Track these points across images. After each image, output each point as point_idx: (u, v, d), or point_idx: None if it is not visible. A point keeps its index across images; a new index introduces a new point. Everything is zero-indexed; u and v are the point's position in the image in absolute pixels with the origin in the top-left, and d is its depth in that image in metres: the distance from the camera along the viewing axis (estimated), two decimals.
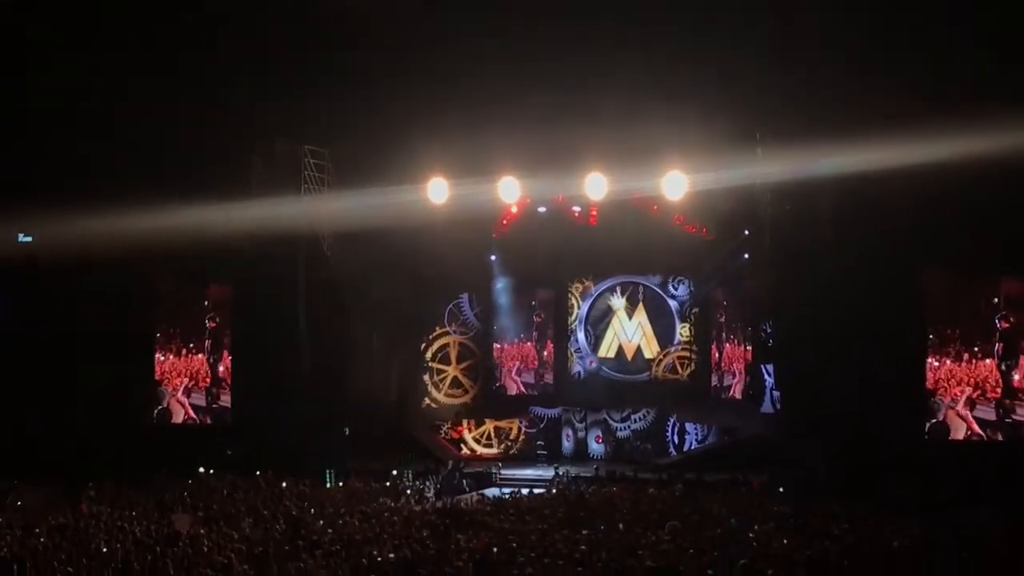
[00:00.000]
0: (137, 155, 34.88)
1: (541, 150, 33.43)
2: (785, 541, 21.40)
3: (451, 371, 42.45)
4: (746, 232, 35.92)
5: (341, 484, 32.66)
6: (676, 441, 40.24)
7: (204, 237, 33.00)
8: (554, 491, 31.83)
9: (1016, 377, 29.87)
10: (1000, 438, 29.97)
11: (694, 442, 39.65)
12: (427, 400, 42.07)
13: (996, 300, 30.21)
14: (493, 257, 41.02)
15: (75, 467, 31.70)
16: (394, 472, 34.21)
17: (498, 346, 42.70)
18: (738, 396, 38.30)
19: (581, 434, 41.48)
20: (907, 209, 29.10)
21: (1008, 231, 28.77)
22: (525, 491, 31.82)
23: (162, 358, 38.47)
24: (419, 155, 34.13)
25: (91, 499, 28.20)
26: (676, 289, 41.04)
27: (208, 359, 37.94)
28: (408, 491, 31.65)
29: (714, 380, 40.11)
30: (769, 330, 35.50)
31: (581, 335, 42.21)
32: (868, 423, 29.59)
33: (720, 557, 19.58)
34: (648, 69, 31.97)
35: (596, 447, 41.18)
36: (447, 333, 42.54)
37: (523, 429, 42.04)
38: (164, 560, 19.64)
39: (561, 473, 35.45)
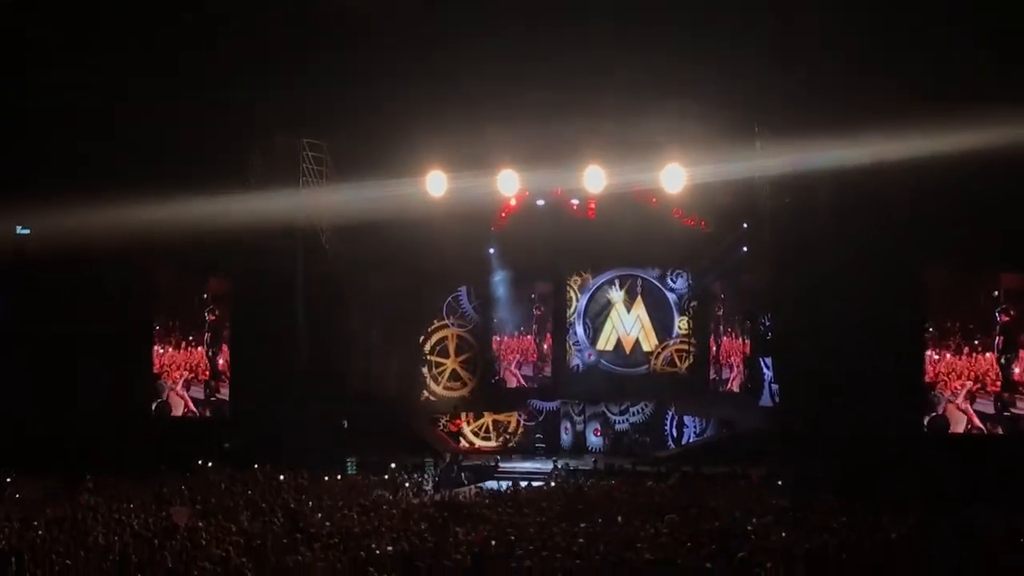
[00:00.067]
0: (136, 149, 34.82)
1: (540, 143, 33.43)
2: (784, 534, 21.40)
3: (449, 364, 42.43)
4: (745, 225, 35.96)
5: (339, 477, 32.64)
6: (675, 434, 40.30)
7: (203, 230, 32.98)
8: (552, 484, 31.81)
9: (1016, 371, 29.88)
10: (1000, 432, 29.98)
11: (692, 435, 39.73)
12: (425, 393, 42.04)
13: (996, 293, 30.22)
14: (491, 250, 40.97)
15: (73, 459, 31.67)
16: (392, 465, 34.18)
17: (497, 339, 42.68)
18: (736, 389, 38.32)
19: (579, 427, 41.50)
20: (907, 202, 29.10)
21: (1008, 225, 28.75)
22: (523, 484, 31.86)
23: (161, 351, 38.49)
24: (418, 148, 34.08)
25: (89, 491, 28.19)
26: (675, 282, 41.04)
27: (207, 352, 37.96)
28: (407, 484, 31.63)
29: (712, 373, 40.12)
30: (768, 323, 35.54)
31: (579, 328, 42.20)
32: (867, 416, 29.58)
33: (718, 550, 19.58)
34: (646, 62, 31.93)
35: (594, 440, 41.20)
36: (446, 326, 42.50)
37: (521, 422, 42.04)
38: (162, 553, 19.64)
39: (559, 466, 35.44)
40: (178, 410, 38.20)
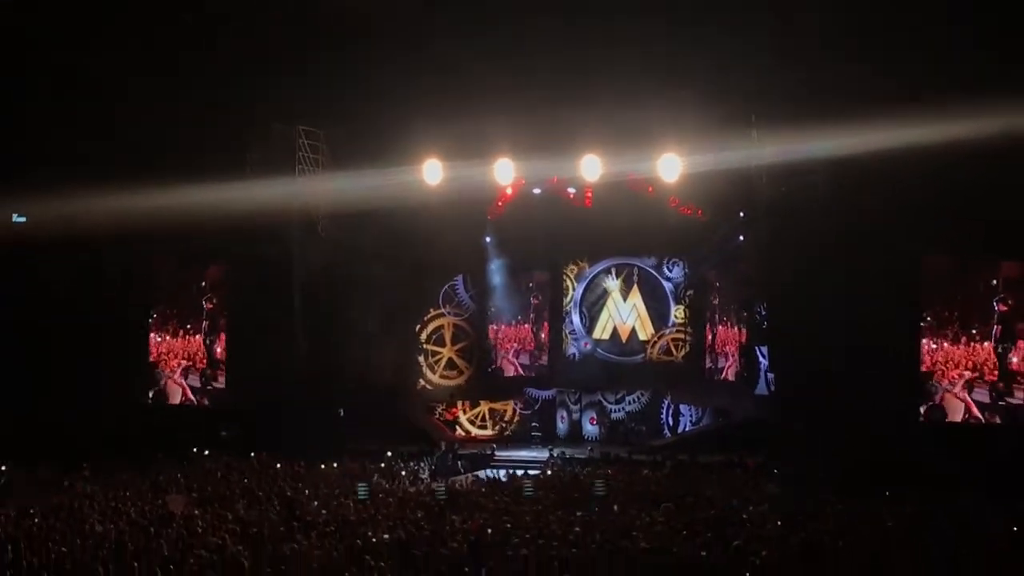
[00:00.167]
0: (134, 138, 34.81)
1: (536, 132, 33.37)
2: (779, 523, 21.44)
3: (446, 352, 42.40)
4: (741, 214, 35.91)
5: (336, 465, 32.65)
6: (671, 423, 40.32)
7: (200, 218, 32.94)
8: (548, 472, 31.84)
9: (1014, 360, 29.88)
10: (998, 421, 30.01)
11: (688, 424, 39.75)
12: (421, 382, 42.00)
13: (995, 282, 30.20)
14: (488, 239, 40.95)
15: (70, 447, 31.67)
16: (388, 453, 34.18)
17: (494, 328, 42.67)
18: (731, 378, 38.35)
19: (576, 416, 41.49)
20: (905, 191, 29.07)
21: (1007, 214, 28.73)
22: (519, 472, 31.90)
23: (159, 339, 38.51)
24: (414, 136, 34.05)
25: (86, 479, 28.20)
26: (671, 271, 41.05)
27: (205, 340, 37.97)
28: (403, 472, 31.65)
29: (708, 362, 40.14)
30: (764, 312, 35.50)
31: (576, 317, 42.21)
32: (863, 405, 29.57)
33: (714, 539, 19.61)
34: (643, 51, 31.91)
35: (591, 429, 41.20)
36: (442, 314, 42.46)
37: (518, 411, 42.04)
38: (158, 541, 19.68)
39: (555, 455, 35.44)
40: (176, 398, 38.24)
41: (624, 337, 41.66)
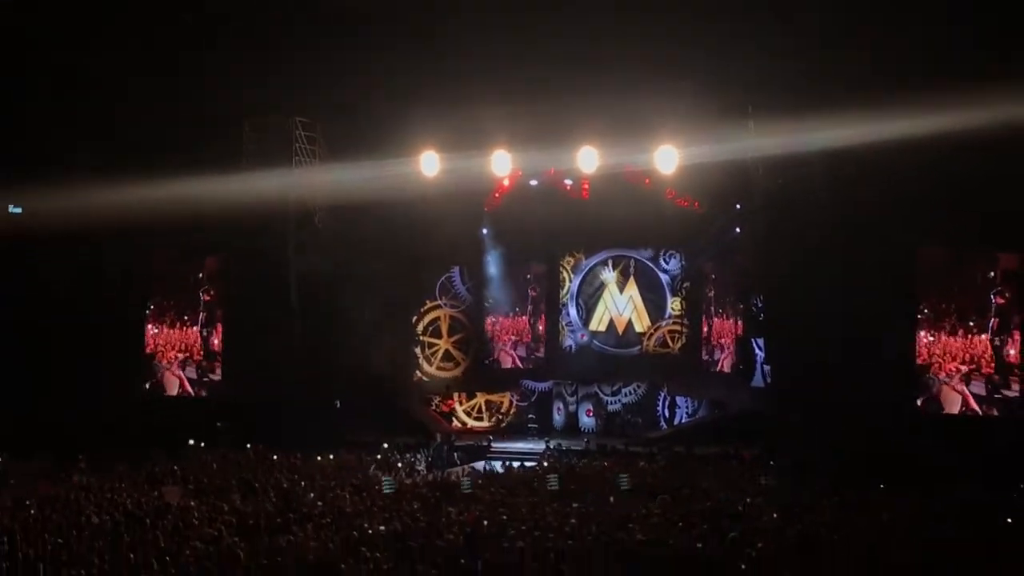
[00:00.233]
0: (131, 132, 34.79)
1: (533, 123, 33.36)
2: (775, 515, 21.43)
3: (442, 344, 42.39)
4: (738, 206, 35.92)
5: (332, 456, 32.64)
6: (667, 415, 40.32)
7: (197, 210, 32.93)
8: (545, 464, 31.83)
9: (1011, 352, 29.88)
10: (995, 413, 30.02)
11: (684, 415, 39.74)
12: (418, 373, 42.01)
13: (993, 275, 30.20)
14: (485, 230, 40.92)
15: (66, 439, 31.61)
16: (385, 445, 34.17)
17: (492, 319, 42.65)
18: (728, 370, 38.35)
19: (572, 407, 41.51)
20: (901, 183, 29.06)
21: (1003, 205, 28.71)
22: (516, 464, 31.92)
23: (156, 331, 38.48)
24: (411, 128, 34.04)
25: (82, 471, 28.16)
26: (667, 263, 41.03)
27: (201, 332, 37.95)
28: (399, 464, 31.63)
29: (704, 354, 40.14)
30: (760, 304, 35.52)
31: (572, 309, 42.17)
32: (860, 397, 29.58)
33: (710, 530, 19.61)
34: (640, 43, 31.88)
35: (587, 420, 41.20)
36: (438, 306, 42.45)
37: (514, 402, 42.04)
38: (154, 532, 19.66)
39: (552, 446, 35.44)
40: (173, 390, 38.22)
41: (620, 329, 41.63)
